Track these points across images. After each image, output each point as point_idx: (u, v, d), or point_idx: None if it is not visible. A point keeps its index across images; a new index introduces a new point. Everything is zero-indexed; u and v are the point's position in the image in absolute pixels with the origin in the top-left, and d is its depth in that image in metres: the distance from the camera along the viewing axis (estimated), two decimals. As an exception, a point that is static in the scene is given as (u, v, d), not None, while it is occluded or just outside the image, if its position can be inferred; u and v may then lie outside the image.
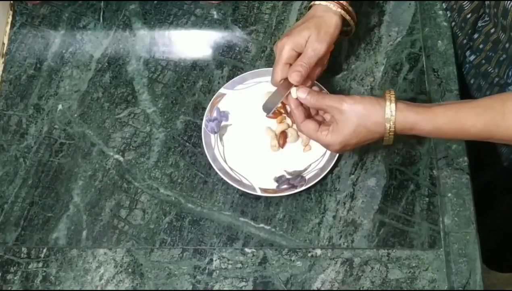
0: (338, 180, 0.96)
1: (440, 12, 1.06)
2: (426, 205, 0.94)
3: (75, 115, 1.02)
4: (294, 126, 0.97)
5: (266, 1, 1.10)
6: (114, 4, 1.11)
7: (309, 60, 0.88)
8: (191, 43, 1.08)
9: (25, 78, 1.05)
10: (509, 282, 1.68)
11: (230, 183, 0.94)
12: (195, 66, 1.06)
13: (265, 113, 0.90)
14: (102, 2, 1.11)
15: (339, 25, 0.91)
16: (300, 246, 0.92)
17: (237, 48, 1.07)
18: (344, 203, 0.94)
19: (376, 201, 0.94)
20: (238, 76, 1.02)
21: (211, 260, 0.91)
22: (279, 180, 0.95)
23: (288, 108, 0.96)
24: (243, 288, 0.90)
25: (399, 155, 0.97)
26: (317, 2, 0.92)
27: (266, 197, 0.94)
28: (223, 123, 0.99)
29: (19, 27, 1.09)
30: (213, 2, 1.10)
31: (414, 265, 0.90)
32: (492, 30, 0.95)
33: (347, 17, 0.92)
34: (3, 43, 1.08)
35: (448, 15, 1.05)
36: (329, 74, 1.03)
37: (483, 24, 0.98)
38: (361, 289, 0.89)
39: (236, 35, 1.08)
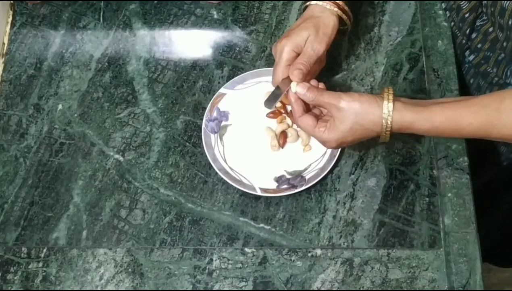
0: (338, 179, 0.96)
1: (440, 12, 1.06)
2: (426, 205, 0.94)
3: (75, 115, 1.02)
4: (294, 126, 0.98)
5: (266, 1, 1.10)
6: (114, 4, 1.11)
7: (309, 59, 0.89)
8: (191, 43, 1.08)
9: (25, 78, 1.05)
10: (509, 282, 1.68)
11: (230, 183, 0.94)
12: (195, 66, 1.06)
13: (267, 110, 0.90)
14: (102, 2, 1.11)
15: (336, 25, 0.92)
16: (300, 246, 0.92)
17: (237, 48, 1.07)
18: (344, 203, 0.94)
19: (376, 201, 0.95)
20: (238, 76, 1.02)
21: (211, 260, 0.91)
22: (279, 179, 0.95)
23: (289, 108, 0.96)
24: (243, 288, 0.90)
25: (399, 155, 0.98)
26: (313, 2, 0.92)
27: (266, 197, 0.95)
28: (223, 123, 1.00)
29: (19, 27, 1.09)
30: (213, 2, 1.10)
31: (414, 265, 0.90)
32: (490, 29, 0.95)
33: (344, 17, 0.93)
34: (3, 43, 1.08)
35: (448, 15, 1.05)
36: (329, 74, 1.03)
37: (481, 23, 0.98)
38: (361, 289, 0.89)
39: (236, 35, 1.08)
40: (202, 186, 0.96)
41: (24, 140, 1.00)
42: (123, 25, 1.09)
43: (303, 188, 0.93)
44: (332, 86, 1.02)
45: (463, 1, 1.00)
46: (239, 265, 0.91)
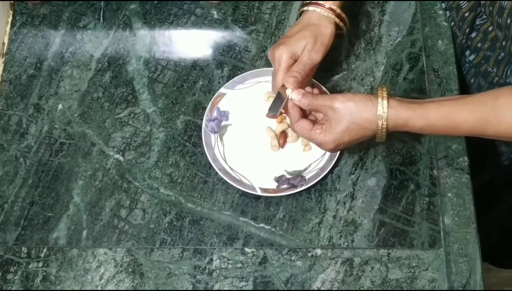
0: (338, 179, 0.96)
1: (440, 12, 1.06)
2: (426, 204, 0.94)
3: (75, 115, 1.02)
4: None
5: (266, 1, 1.10)
6: (114, 4, 1.11)
7: (305, 67, 0.90)
8: (191, 43, 1.08)
9: (25, 78, 1.05)
10: (509, 282, 1.68)
11: (230, 183, 0.94)
12: (195, 66, 1.06)
13: (268, 114, 0.91)
14: (102, 1, 1.11)
15: (333, 33, 0.93)
16: (300, 246, 0.92)
17: (237, 48, 1.07)
18: (344, 203, 0.94)
19: (376, 201, 0.95)
20: (238, 76, 1.02)
21: (211, 259, 0.92)
22: (279, 179, 0.95)
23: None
24: (243, 288, 0.90)
25: (399, 155, 0.98)
26: (310, 8, 0.93)
27: (266, 197, 0.95)
28: (223, 123, 1.00)
29: (19, 27, 1.09)
30: (213, 2, 1.10)
31: (414, 264, 0.90)
32: (490, 28, 0.96)
33: (341, 24, 0.94)
34: (3, 43, 1.08)
35: (448, 14, 1.05)
36: (329, 74, 1.03)
37: (481, 22, 0.98)
38: (361, 289, 0.89)
39: (236, 35, 1.08)
40: (202, 186, 0.96)
41: (24, 140, 1.00)
42: (123, 25, 1.09)
43: (303, 187, 0.93)
44: (332, 86, 1.02)
45: (463, 1, 1.00)
46: (239, 265, 0.91)
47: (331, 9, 0.92)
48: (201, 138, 0.97)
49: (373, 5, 1.10)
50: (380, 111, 0.82)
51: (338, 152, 0.94)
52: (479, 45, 0.99)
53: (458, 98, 0.84)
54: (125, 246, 0.93)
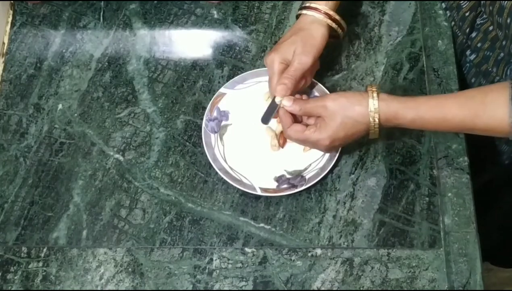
0: (338, 179, 0.96)
1: (440, 11, 1.06)
2: (426, 204, 0.94)
3: (75, 114, 1.02)
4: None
5: (266, 1, 1.10)
6: (114, 4, 1.11)
7: (295, 73, 0.91)
8: (191, 43, 1.08)
9: (25, 77, 1.05)
10: (509, 282, 1.68)
11: (230, 183, 0.94)
12: (195, 65, 1.06)
13: (265, 123, 0.93)
14: (102, 1, 1.11)
15: (325, 35, 0.93)
16: (300, 246, 0.92)
17: (237, 48, 1.07)
18: (344, 203, 0.94)
19: (376, 201, 0.95)
20: (238, 76, 1.02)
21: (211, 259, 0.91)
22: (279, 179, 0.95)
23: None
24: (243, 288, 0.90)
25: (399, 155, 0.97)
26: (304, 12, 0.93)
27: (266, 197, 0.94)
28: (223, 123, 1.00)
29: (19, 27, 1.09)
30: (214, 1, 1.10)
31: (414, 264, 0.90)
32: (491, 28, 0.96)
33: (334, 26, 0.94)
34: (3, 43, 1.08)
35: (448, 14, 1.05)
36: (329, 74, 1.04)
37: (481, 21, 0.98)
38: (361, 288, 0.89)
39: (236, 35, 1.08)
40: (202, 186, 0.96)
41: (24, 140, 1.00)
42: (123, 24, 1.09)
43: (303, 187, 0.93)
44: (332, 86, 1.02)
45: (463, 0, 1.00)
46: (239, 264, 0.91)
47: (325, 13, 0.92)
48: (201, 138, 0.97)
49: (373, 5, 1.09)
50: (371, 104, 0.83)
51: (338, 152, 0.94)
52: (479, 45, 0.99)
53: (449, 94, 0.85)
54: (125, 246, 0.93)
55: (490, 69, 0.99)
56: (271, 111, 0.92)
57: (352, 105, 0.84)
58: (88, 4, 1.11)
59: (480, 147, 1.00)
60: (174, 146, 0.99)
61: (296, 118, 0.91)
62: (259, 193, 0.93)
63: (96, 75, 1.05)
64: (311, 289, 0.89)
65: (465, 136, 0.96)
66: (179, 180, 0.97)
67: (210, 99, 1.00)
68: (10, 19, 1.10)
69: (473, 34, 1.00)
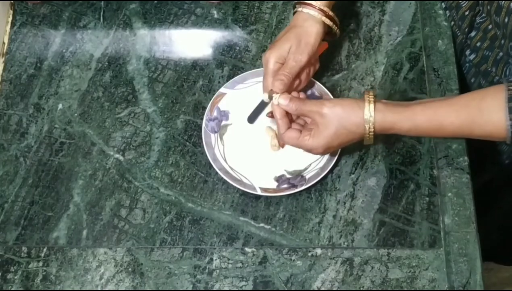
0: (338, 179, 0.96)
1: (440, 11, 1.06)
2: (426, 204, 0.94)
3: (76, 114, 1.02)
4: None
5: (266, 1, 1.10)
6: (115, 4, 1.11)
7: (291, 70, 0.91)
8: (192, 43, 1.08)
9: (25, 77, 1.05)
10: (509, 282, 1.68)
11: (230, 183, 0.94)
12: (196, 65, 1.06)
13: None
14: (103, 1, 1.11)
15: (320, 32, 0.93)
16: (300, 246, 0.92)
17: (238, 48, 1.07)
18: (344, 203, 0.94)
19: (376, 201, 0.94)
20: (238, 76, 1.02)
21: (211, 259, 0.91)
22: (279, 179, 0.95)
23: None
24: (243, 288, 0.90)
25: (399, 155, 0.97)
26: (299, 9, 0.93)
27: (266, 197, 0.94)
28: (223, 122, 1.00)
29: (20, 27, 1.09)
30: (214, 1, 1.10)
31: (414, 264, 0.90)
32: (490, 27, 0.96)
33: (329, 23, 0.94)
34: (4, 43, 1.08)
35: (448, 14, 1.05)
36: (329, 73, 1.04)
37: (480, 20, 0.98)
38: (361, 288, 0.89)
39: (236, 35, 1.08)
40: (202, 186, 0.96)
41: (24, 139, 1.00)
42: (123, 24, 1.09)
43: (303, 187, 0.93)
44: (332, 86, 1.02)
45: (462, 0, 1.00)
46: (239, 264, 0.91)
47: (320, 9, 0.92)
48: (201, 138, 0.97)
49: (373, 5, 1.09)
50: (367, 115, 0.83)
51: (338, 152, 0.94)
52: (478, 44, 0.99)
53: (445, 99, 0.85)
54: (125, 246, 0.93)
55: (489, 69, 0.99)
56: (258, 111, 0.92)
57: (347, 116, 0.84)
58: (88, 4, 1.11)
59: (480, 146, 1.00)
60: (174, 145, 0.99)
61: (291, 116, 0.91)
62: (259, 192, 0.93)
63: (96, 75, 1.05)
64: (311, 289, 0.89)
65: (465, 136, 0.96)
66: (179, 179, 0.97)
67: (210, 99, 1.00)
68: (10, 19, 1.10)
69: (473, 34, 1.00)
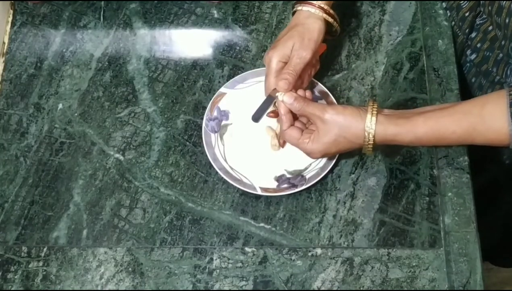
0: (339, 179, 0.96)
1: (441, 11, 1.06)
2: (427, 204, 0.94)
3: (76, 114, 1.02)
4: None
5: (266, 1, 1.10)
6: (115, 3, 1.11)
7: (295, 68, 0.90)
8: (192, 42, 1.08)
9: (25, 77, 1.05)
10: (509, 282, 1.68)
11: (231, 182, 0.94)
12: (196, 65, 1.06)
13: (255, 121, 0.93)
14: (103, 1, 1.11)
15: (322, 29, 0.93)
16: (301, 245, 0.92)
17: (238, 48, 1.07)
18: (345, 202, 0.94)
19: (376, 200, 0.94)
20: (238, 76, 1.02)
21: (212, 259, 0.92)
22: (279, 179, 0.95)
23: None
24: (244, 288, 0.90)
25: (399, 154, 0.97)
26: (299, 8, 0.93)
27: (267, 196, 0.94)
28: (224, 122, 1.00)
29: (20, 26, 1.09)
30: (214, 1, 1.10)
31: (414, 264, 0.90)
32: (490, 28, 0.96)
33: (330, 20, 0.94)
34: (4, 42, 1.08)
35: (448, 14, 1.05)
36: (330, 73, 1.03)
37: (481, 21, 0.98)
38: (361, 288, 0.89)
39: (236, 34, 1.08)
40: (202, 185, 0.96)
41: (25, 139, 1.00)
42: (123, 24, 1.09)
43: (304, 187, 0.93)
44: (332, 86, 1.02)
45: (463, 1, 1.00)
46: (239, 264, 0.91)
47: (320, 7, 0.92)
48: (201, 138, 0.97)
49: (374, 5, 1.09)
50: (368, 127, 0.83)
51: (338, 152, 0.95)
52: (478, 45, 0.99)
53: (447, 107, 0.85)
54: (125, 246, 0.93)
55: (490, 69, 0.99)
56: (263, 110, 0.92)
57: (348, 126, 0.84)
58: (88, 4, 1.11)
59: (480, 146, 1.00)
60: (174, 145, 0.99)
61: (294, 114, 0.91)
62: (259, 192, 0.93)
63: (96, 74, 1.05)
64: (311, 289, 0.89)
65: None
66: (179, 179, 0.97)
67: (211, 99, 1.00)
68: (10, 19, 1.10)
69: (473, 34, 1.00)
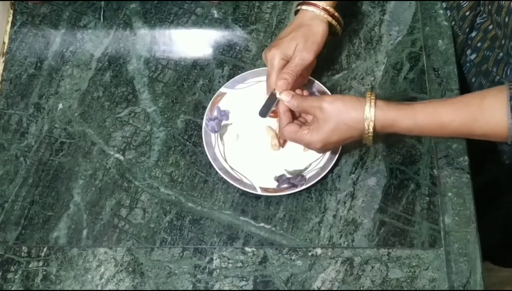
0: (339, 179, 0.96)
1: (441, 11, 1.06)
2: (427, 204, 0.94)
3: (76, 114, 1.02)
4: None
5: (266, 0, 1.10)
6: (115, 3, 1.11)
7: (295, 68, 0.91)
8: (192, 42, 1.08)
9: (25, 77, 1.05)
10: (509, 282, 1.68)
11: (231, 182, 0.94)
12: (196, 65, 1.06)
13: (262, 116, 0.93)
14: (103, 1, 1.11)
15: (326, 32, 0.93)
16: (301, 245, 0.92)
17: (238, 47, 1.07)
18: (345, 202, 0.94)
19: (376, 200, 0.94)
20: (238, 76, 1.02)
21: (212, 259, 0.92)
22: (279, 179, 0.95)
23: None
24: (244, 287, 0.90)
25: (399, 154, 0.97)
26: (304, 7, 0.93)
27: (267, 196, 0.94)
28: (224, 122, 1.00)
29: (20, 26, 1.09)
30: (214, 1, 1.10)
31: (414, 264, 0.90)
32: (490, 27, 0.96)
33: (334, 23, 0.94)
34: (4, 42, 1.08)
35: (448, 14, 1.05)
36: (330, 73, 1.03)
37: (481, 21, 0.98)
38: (362, 288, 0.89)
39: (236, 34, 1.08)
40: (202, 185, 0.96)
41: (25, 139, 1.00)
42: (123, 24, 1.09)
43: (304, 187, 0.93)
44: (332, 86, 1.02)
45: (463, 0, 1.00)
46: (240, 264, 0.91)
47: (324, 9, 0.92)
48: (202, 138, 0.97)
49: (374, 5, 1.09)
50: (367, 111, 0.83)
51: (339, 152, 0.94)
52: (479, 44, 0.99)
53: (446, 99, 0.86)
54: (125, 246, 0.93)
55: (490, 69, 0.99)
56: (269, 105, 0.92)
57: (348, 111, 0.84)
58: (89, 4, 1.11)
59: (480, 146, 1.00)
60: (174, 145, 0.99)
61: (293, 114, 0.91)
62: (259, 192, 0.93)
63: (96, 74, 1.05)
64: (311, 288, 0.89)
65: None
66: (180, 179, 0.97)
67: (211, 99, 1.00)
68: (10, 19, 1.10)
69: (473, 34, 1.00)
